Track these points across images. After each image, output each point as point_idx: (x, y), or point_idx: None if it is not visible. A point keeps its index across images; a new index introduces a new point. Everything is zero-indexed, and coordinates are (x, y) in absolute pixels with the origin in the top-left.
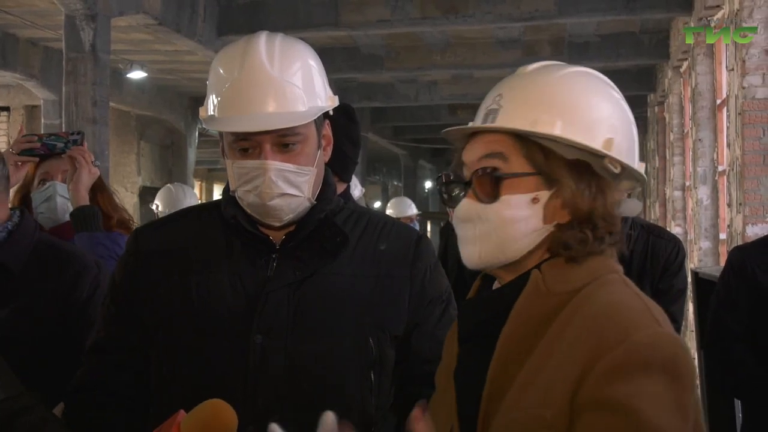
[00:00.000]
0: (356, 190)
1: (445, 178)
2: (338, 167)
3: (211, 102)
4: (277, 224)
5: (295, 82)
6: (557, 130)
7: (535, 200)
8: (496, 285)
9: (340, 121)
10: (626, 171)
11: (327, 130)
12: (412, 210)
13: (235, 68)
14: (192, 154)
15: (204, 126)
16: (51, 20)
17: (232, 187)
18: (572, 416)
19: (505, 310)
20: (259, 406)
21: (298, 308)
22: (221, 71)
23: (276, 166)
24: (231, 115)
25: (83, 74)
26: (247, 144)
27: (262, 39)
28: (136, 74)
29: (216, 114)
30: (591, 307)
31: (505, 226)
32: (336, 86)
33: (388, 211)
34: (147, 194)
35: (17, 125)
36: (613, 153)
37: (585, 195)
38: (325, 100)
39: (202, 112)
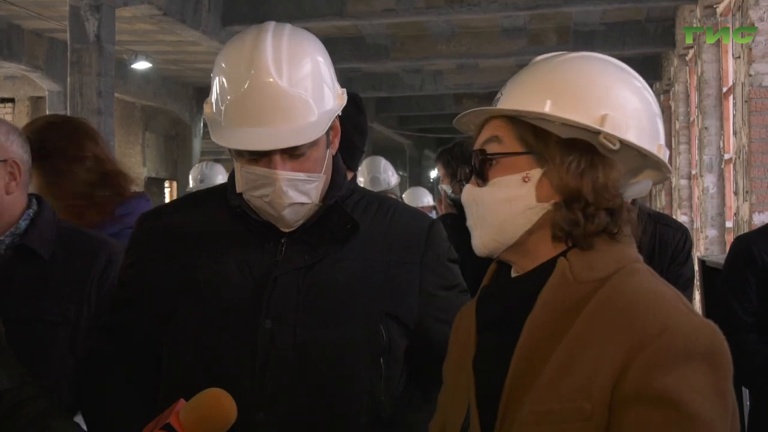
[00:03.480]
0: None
1: (463, 171)
2: (346, 157)
3: (217, 102)
4: (286, 230)
5: (304, 89)
6: (546, 108)
7: (525, 179)
8: (514, 269)
9: (348, 111)
10: (646, 159)
11: (335, 122)
12: (428, 200)
13: (242, 76)
14: (197, 145)
15: (213, 140)
16: (55, 11)
17: (239, 189)
18: (615, 408)
19: (529, 298)
20: (268, 392)
21: (308, 294)
22: (228, 76)
23: (287, 176)
24: (240, 127)
25: (88, 65)
26: (256, 152)
27: (269, 40)
28: (141, 65)
29: (223, 122)
30: (624, 296)
31: (497, 207)
32: (341, 76)
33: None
34: (152, 185)
35: (22, 116)
36: (607, 128)
37: (572, 170)
38: (334, 98)
39: (207, 108)
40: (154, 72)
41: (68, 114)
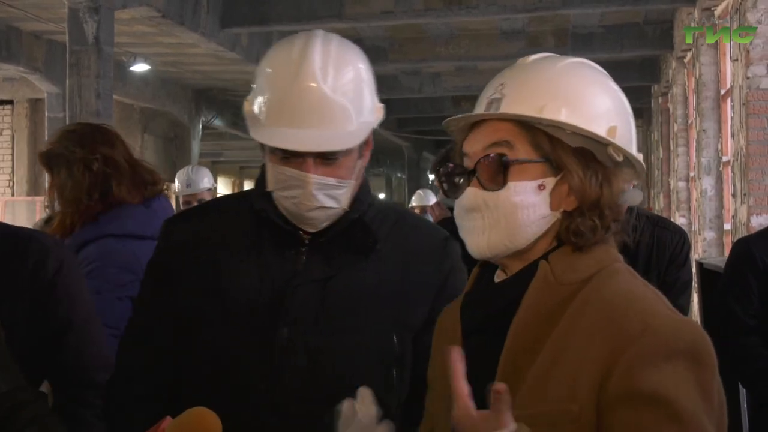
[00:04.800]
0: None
1: (445, 169)
2: None
3: (259, 101)
4: (312, 230)
5: (346, 97)
6: (563, 117)
7: (541, 187)
8: (498, 275)
9: None
10: (626, 160)
11: (369, 134)
12: (434, 199)
13: (288, 78)
14: (196, 147)
15: (250, 131)
16: (54, 13)
17: (269, 187)
18: (603, 410)
19: (513, 302)
20: (280, 398)
21: (324, 304)
22: (274, 77)
23: (317, 180)
24: (279, 126)
25: (87, 67)
26: (290, 152)
27: (318, 47)
28: (140, 67)
29: (263, 120)
30: (605, 297)
31: (515, 213)
32: None
33: (413, 202)
34: None
35: (21, 118)
36: (616, 141)
37: (592, 182)
38: (373, 111)
39: (247, 105)
40: (152, 74)
41: (67, 116)
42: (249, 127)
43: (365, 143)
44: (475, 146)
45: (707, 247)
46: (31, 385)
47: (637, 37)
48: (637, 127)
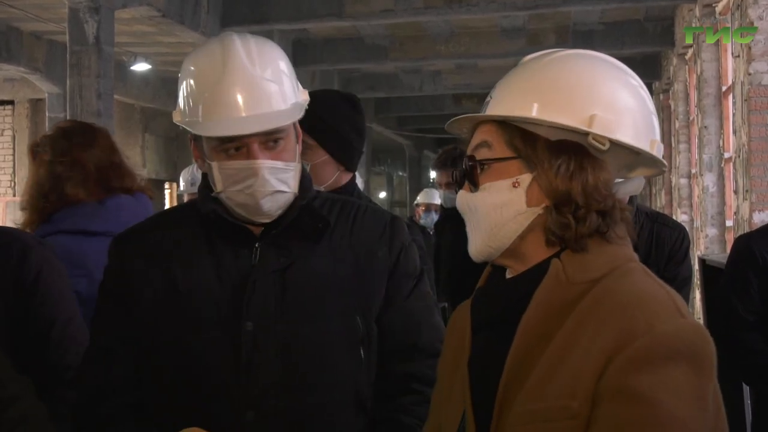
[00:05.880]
0: (358, 181)
1: (457, 175)
2: (344, 157)
3: (189, 104)
4: (267, 221)
5: (275, 80)
6: (533, 112)
7: (515, 184)
8: (509, 271)
9: (346, 111)
10: (640, 156)
11: (298, 126)
12: (438, 199)
13: (217, 71)
14: None
15: (191, 131)
16: (55, 13)
17: (218, 189)
18: (593, 403)
19: (523, 299)
20: (255, 391)
21: (285, 293)
22: (201, 75)
23: (267, 164)
24: (219, 119)
25: (87, 67)
26: (233, 145)
27: (237, 40)
28: (140, 66)
29: (201, 118)
30: (615, 297)
31: (489, 213)
32: (340, 77)
33: (419, 200)
34: (152, 187)
35: (22, 119)
36: (596, 129)
37: (560, 173)
38: (299, 94)
39: (176, 116)
40: (153, 73)
41: (68, 116)
42: (189, 129)
43: (297, 134)
44: (469, 149)
45: (709, 244)
46: (20, 380)
47: (638, 34)
48: None
